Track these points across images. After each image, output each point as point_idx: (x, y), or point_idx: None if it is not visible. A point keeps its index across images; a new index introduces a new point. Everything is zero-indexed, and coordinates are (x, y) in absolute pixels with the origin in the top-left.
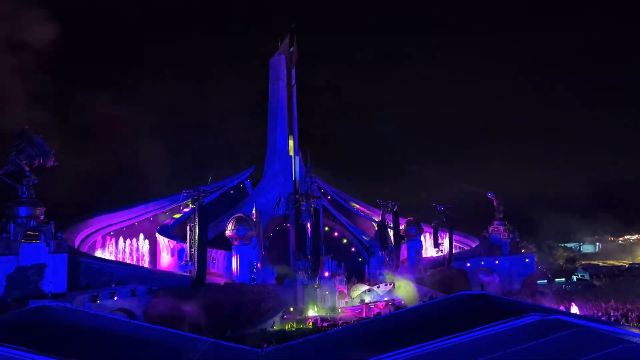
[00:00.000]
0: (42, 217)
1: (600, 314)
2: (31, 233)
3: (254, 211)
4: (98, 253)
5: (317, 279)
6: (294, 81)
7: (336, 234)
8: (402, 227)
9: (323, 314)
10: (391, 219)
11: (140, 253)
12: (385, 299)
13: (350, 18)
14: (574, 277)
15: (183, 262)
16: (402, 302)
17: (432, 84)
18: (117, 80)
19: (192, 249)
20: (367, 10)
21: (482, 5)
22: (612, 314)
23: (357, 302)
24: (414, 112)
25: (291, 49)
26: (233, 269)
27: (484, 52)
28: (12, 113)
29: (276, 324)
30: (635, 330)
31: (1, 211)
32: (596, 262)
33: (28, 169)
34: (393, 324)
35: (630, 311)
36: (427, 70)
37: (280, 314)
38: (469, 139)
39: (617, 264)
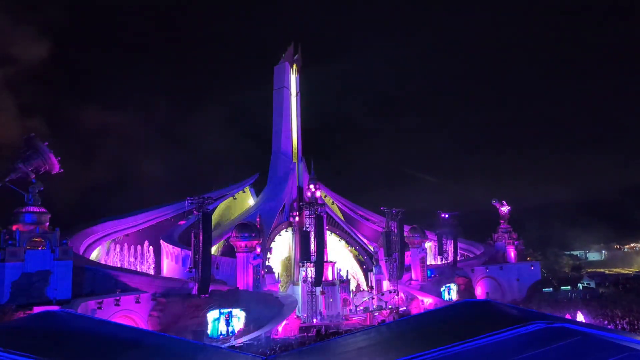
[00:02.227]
0: (47, 224)
1: (606, 322)
2: (37, 240)
3: (257, 218)
4: (102, 260)
5: (321, 286)
6: (298, 88)
7: (340, 240)
8: (406, 234)
9: (327, 321)
10: (395, 226)
11: (145, 260)
12: (390, 306)
13: (356, 23)
14: (580, 285)
15: (187, 269)
16: (406, 310)
17: (437, 92)
18: (120, 88)
19: (197, 256)
20: (374, 17)
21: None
22: (618, 322)
23: (361, 309)
24: (418, 121)
25: (295, 57)
26: (237, 275)
27: (485, 60)
28: (13, 122)
29: (280, 332)
30: None
31: (7, 218)
32: (602, 270)
33: (34, 176)
34: (397, 331)
35: (637, 319)
36: (433, 79)
37: (284, 321)
38: (474, 147)
39: (624, 272)
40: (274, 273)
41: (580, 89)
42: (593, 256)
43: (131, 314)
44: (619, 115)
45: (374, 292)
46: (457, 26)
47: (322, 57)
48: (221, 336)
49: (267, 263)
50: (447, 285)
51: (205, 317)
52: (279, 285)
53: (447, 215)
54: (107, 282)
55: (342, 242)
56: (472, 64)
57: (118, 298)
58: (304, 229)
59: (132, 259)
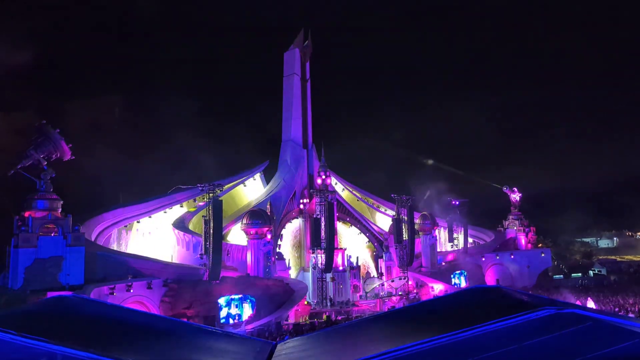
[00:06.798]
0: (59, 211)
1: (617, 309)
2: (49, 226)
3: (268, 205)
4: (114, 246)
5: (332, 272)
6: (308, 75)
7: (350, 227)
8: (416, 221)
9: (337, 307)
10: (405, 213)
11: (156, 246)
12: (400, 293)
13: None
14: (591, 272)
15: (198, 256)
16: (416, 296)
17: (448, 80)
18: (129, 75)
19: (207, 243)
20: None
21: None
22: (629, 309)
23: (371, 295)
24: (430, 107)
25: (305, 43)
26: (248, 262)
27: (500, 44)
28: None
29: (290, 317)
30: None
31: (20, 204)
32: (614, 257)
33: (45, 162)
34: (407, 317)
35: None
36: (441, 66)
37: (295, 307)
38: (484, 132)
39: (635, 259)
40: (284, 260)
41: (600, 76)
42: (604, 243)
43: (143, 299)
44: (634, 102)
45: (384, 278)
46: (475, 6)
47: (332, 40)
48: (233, 321)
49: (277, 250)
50: (457, 272)
51: (217, 302)
52: (290, 272)
53: (457, 202)
54: (119, 268)
55: (352, 229)
56: (488, 46)
57: (130, 284)
58: (315, 216)
59: (143, 245)
